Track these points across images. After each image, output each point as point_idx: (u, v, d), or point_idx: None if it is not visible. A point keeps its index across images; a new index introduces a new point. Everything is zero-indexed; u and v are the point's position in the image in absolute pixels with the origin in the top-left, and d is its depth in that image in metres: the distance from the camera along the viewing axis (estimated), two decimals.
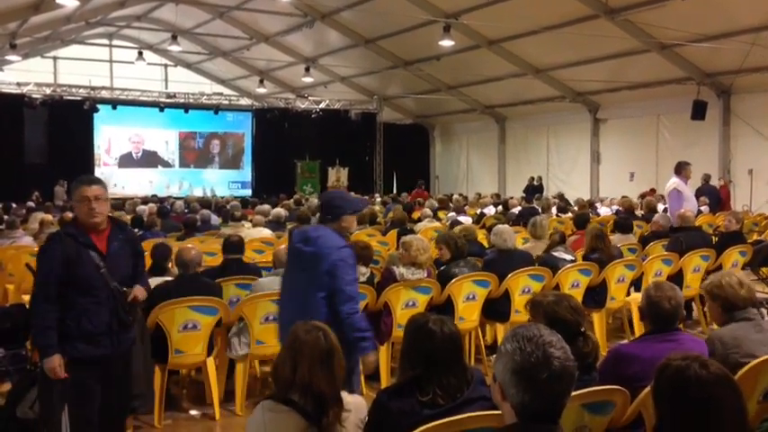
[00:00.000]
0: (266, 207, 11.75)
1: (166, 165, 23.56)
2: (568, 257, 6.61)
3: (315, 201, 14.87)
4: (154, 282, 4.77)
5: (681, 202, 8.74)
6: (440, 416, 2.51)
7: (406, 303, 5.44)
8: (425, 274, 5.61)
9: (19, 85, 20.02)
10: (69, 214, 7.99)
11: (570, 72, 17.60)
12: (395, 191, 23.06)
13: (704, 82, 15.67)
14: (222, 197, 19.19)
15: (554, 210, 12.66)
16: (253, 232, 9.02)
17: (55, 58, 24.69)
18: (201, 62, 25.98)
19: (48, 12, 16.76)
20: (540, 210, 11.67)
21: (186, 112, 22.18)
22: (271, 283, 5.32)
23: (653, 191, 15.39)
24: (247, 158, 24.38)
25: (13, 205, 13.84)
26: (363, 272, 5.46)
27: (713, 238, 8.26)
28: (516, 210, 12.49)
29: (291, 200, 15.79)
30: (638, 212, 11.47)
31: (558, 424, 1.92)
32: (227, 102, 23.47)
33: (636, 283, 6.94)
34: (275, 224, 10.09)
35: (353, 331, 3.63)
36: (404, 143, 24.60)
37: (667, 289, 3.26)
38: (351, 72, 22.48)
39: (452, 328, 2.74)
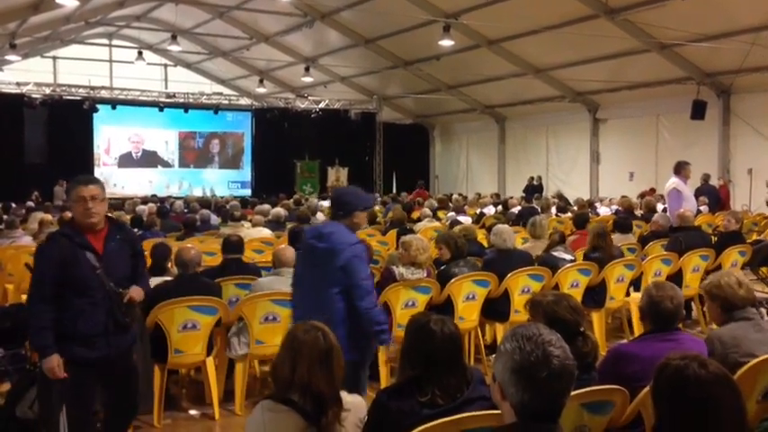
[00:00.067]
0: (266, 207, 11.75)
1: (166, 165, 23.55)
2: (568, 257, 6.61)
3: (314, 201, 14.90)
4: (153, 281, 4.77)
5: (680, 201, 8.74)
6: (439, 416, 2.51)
7: (406, 303, 5.44)
8: (425, 274, 5.61)
9: (18, 84, 20.01)
10: (68, 214, 8.00)
11: (570, 72, 17.60)
12: (394, 190, 23.06)
13: (704, 82, 15.67)
14: (222, 197, 19.19)
15: (553, 209, 12.66)
16: (252, 232, 9.02)
17: (54, 58, 24.68)
18: (201, 62, 25.98)
19: (47, 12, 16.75)
20: (539, 209, 11.68)
21: (186, 111, 22.17)
22: (270, 282, 5.33)
23: (653, 190, 15.40)
24: (247, 158, 24.37)
25: (13, 205, 13.83)
26: None
27: (712, 237, 8.26)
28: (516, 209, 12.49)
29: (291, 200, 15.79)
30: (638, 212, 11.47)
31: (557, 423, 1.92)
32: (226, 102, 23.46)
33: (635, 283, 6.95)
34: (275, 224, 10.10)
35: (373, 325, 3.74)
36: (403, 143, 24.60)
37: (668, 289, 3.26)
38: (350, 72, 22.48)
39: (453, 329, 2.74)
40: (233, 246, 5.96)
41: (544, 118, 20.73)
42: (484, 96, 21.70)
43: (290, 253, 5.51)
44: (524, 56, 17.75)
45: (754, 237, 9.91)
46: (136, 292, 3.59)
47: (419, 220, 11.13)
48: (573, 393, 2.03)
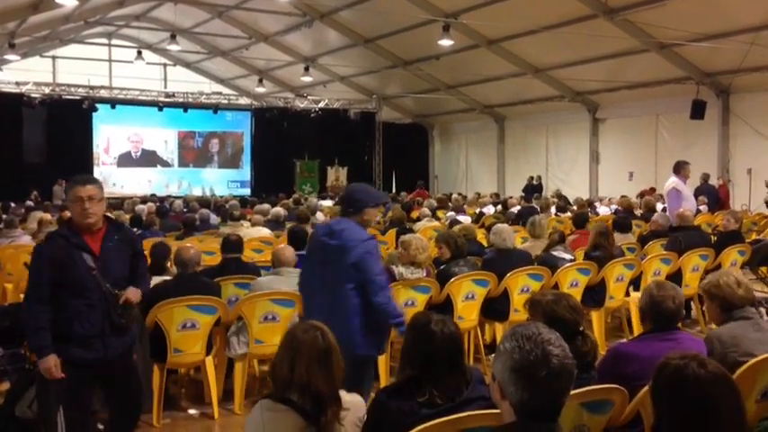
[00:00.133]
0: (266, 206, 11.75)
1: (165, 164, 23.54)
2: (567, 257, 6.61)
3: (314, 200, 14.90)
4: (153, 281, 4.76)
5: (680, 201, 8.75)
6: (439, 415, 2.51)
7: (405, 303, 5.43)
8: (424, 274, 5.61)
9: (18, 84, 20.01)
10: (67, 213, 8.01)
11: (569, 72, 17.60)
12: (394, 190, 23.06)
13: (703, 81, 15.67)
14: (221, 196, 19.17)
15: (553, 209, 12.67)
16: (252, 231, 9.02)
17: (54, 58, 24.67)
18: (200, 61, 25.96)
19: (46, 11, 16.74)
20: (538, 209, 11.68)
21: (185, 111, 22.16)
22: (269, 282, 5.32)
23: (652, 190, 15.40)
24: (246, 158, 24.37)
25: (12, 204, 13.81)
26: None
27: (712, 237, 8.26)
28: (515, 209, 12.49)
29: (290, 199, 15.78)
30: (637, 212, 11.48)
31: (556, 422, 1.92)
32: (226, 101, 23.46)
33: (634, 283, 6.95)
34: (274, 223, 10.09)
35: (390, 319, 3.81)
36: (403, 143, 24.60)
37: (670, 288, 3.26)
38: (350, 71, 22.47)
39: (453, 329, 2.73)
40: (232, 245, 5.95)
41: (543, 118, 20.73)
42: (483, 96, 21.70)
43: (289, 252, 5.52)
44: (524, 55, 17.75)
45: (754, 236, 9.91)
46: (132, 293, 3.54)
47: (418, 219, 11.13)
48: (572, 392, 2.03)
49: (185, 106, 22.11)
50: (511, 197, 15.44)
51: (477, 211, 13.14)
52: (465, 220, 10.75)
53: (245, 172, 24.41)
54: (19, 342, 4.95)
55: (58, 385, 3.41)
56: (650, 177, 17.18)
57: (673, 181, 9.01)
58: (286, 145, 22.68)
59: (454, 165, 25.47)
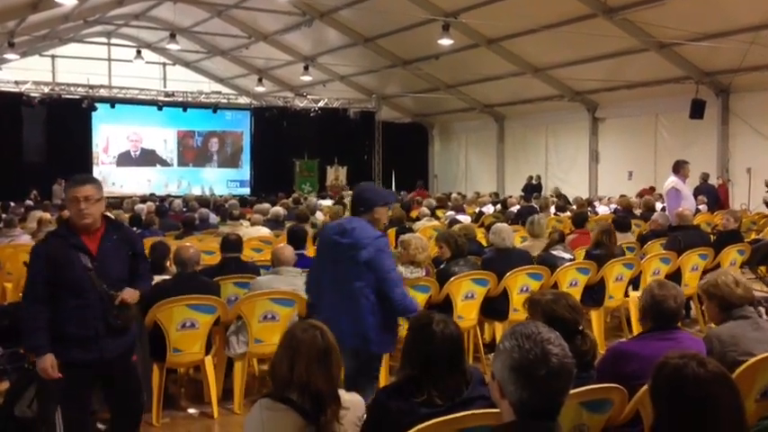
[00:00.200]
0: (265, 206, 11.75)
1: (165, 163, 23.54)
2: (567, 256, 6.62)
3: (313, 199, 14.89)
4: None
5: (679, 200, 8.75)
6: (438, 415, 2.51)
7: None
8: (424, 273, 5.61)
9: (17, 83, 19.99)
10: (66, 213, 8.01)
11: (569, 71, 17.60)
12: (393, 189, 23.04)
13: (703, 81, 15.68)
14: (221, 196, 19.19)
15: (552, 209, 12.67)
16: (251, 231, 9.02)
17: (53, 57, 24.64)
18: (200, 61, 25.94)
19: (46, 10, 16.72)
20: (538, 208, 11.68)
21: (185, 110, 22.15)
22: (269, 281, 5.32)
23: (652, 189, 15.41)
24: (246, 157, 24.37)
25: (12, 204, 13.82)
26: None
27: (711, 236, 8.27)
28: (515, 208, 12.49)
29: (290, 199, 15.79)
30: (637, 211, 11.48)
31: (556, 421, 1.92)
32: (225, 100, 23.45)
33: (634, 282, 6.95)
34: (273, 223, 10.09)
35: (408, 313, 3.86)
36: (402, 142, 24.59)
37: (671, 288, 3.27)
38: (349, 71, 22.46)
39: (454, 330, 2.73)
40: (232, 244, 5.95)
41: (543, 117, 20.73)
42: (483, 95, 21.70)
43: (288, 252, 5.51)
44: (523, 55, 17.75)
45: (753, 236, 9.91)
46: (128, 294, 3.49)
47: (418, 219, 11.13)
48: (572, 392, 2.03)
49: (185, 105, 22.10)
50: (510, 196, 15.43)
51: (477, 210, 13.14)
52: (465, 219, 10.74)
53: (245, 171, 24.41)
54: (18, 341, 4.94)
55: (56, 385, 3.39)
56: (649, 177, 17.18)
57: (672, 180, 9.01)
58: (285, 144, 22.67)
59: (454, 164, 25.47)
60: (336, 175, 23.42)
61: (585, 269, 6.42)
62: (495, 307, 6.01)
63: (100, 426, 4.47)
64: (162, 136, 23.36)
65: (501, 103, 21.72)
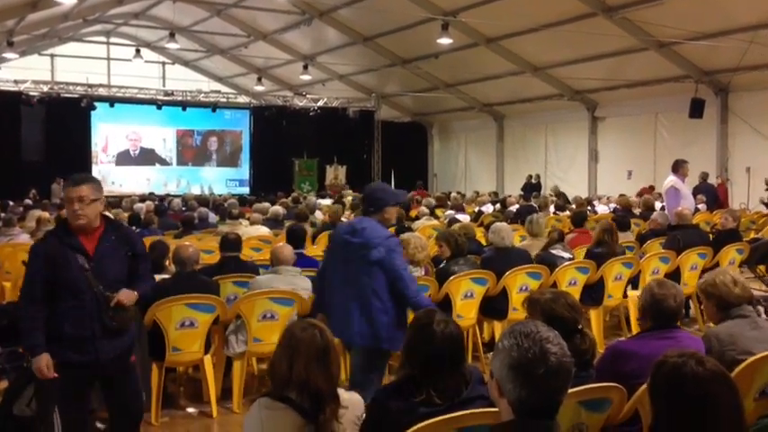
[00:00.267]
0: (265, 205, 11.75)
1: (164, 162, 23.53)
2: (566, 255, 6.62)
3: (312, 199, 14.89)
4: None
5: (678, 200, 8.75)
6: (438, 414, 2.51)
7: None
8: (423, 272, 5.61)
9: (16, 82, 19.99)
10: (65, 212, 8.00)
11: (568, 70, 17.60)
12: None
13: (702, 80, 15.68)
14: (220, 195, 19.18)
15: (551, 208, 12.67)
16: (250, 230, 9.02)
17: (52, 56, 24.62)
18: (199, 60, 25.93)
19: (45, 9, 16.72)
20: (537, 208, 11.68)
21: (184, 109, 22.14)
22: (268, 280, 5.32)
23: (651, 188, 15.41)
24: (245, 156, 24.36)
25: (11, 203, 13.80)
26: None
27: (710, 236, 8.27)
28: (514, 208, 12.49)
29: (289, 198, 15.78)
30: (636, 210, 11.49)
31: (554, 420, 1.92)
32: (224, 99, 23.44)
33: (633, 281, 6.95)
34: (273, 222, 10.09)
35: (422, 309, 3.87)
36: (402, 141, 24.59)
37: (671, 287, 3.27)
38: (349, 70, 22.46)
39: (454, 330, 2.73)
40: (231, 244, 5.95)
41: (542, 116, 20.73)
42: (482, 94, 21.70)
43: (287, 251, 5.51)
44: (523, 54, 17.75)
45: (752, 235, 9.92)
46: (124, 296, 3.42)
47: (417, 218, 11.12)
48: (571, 391, 2.03)
49: (184, 104, 22.10)
50: (510, 196, 15.44)
51: (476, 209, 13.14)
52: (464, 218, 10.74)
53: (244, 170, 24.40)
54: (17, 340, 4.94)
55: (54, 385, 3.37)
56: (649, 176, 17.19)
57: (671, 180, 9.01)
58: (285, 143, 22.66)
59: (453, 163, 25.47)
60: (336, 174, 23.41)
61: (585, 268, 6.42)
62: (494, 306, 6.01)
63: (99, 425, 4.47)
64: (161, 135, 23.35)
65: (500, 102, 21.72)
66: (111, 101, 21.29)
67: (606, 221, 7.55)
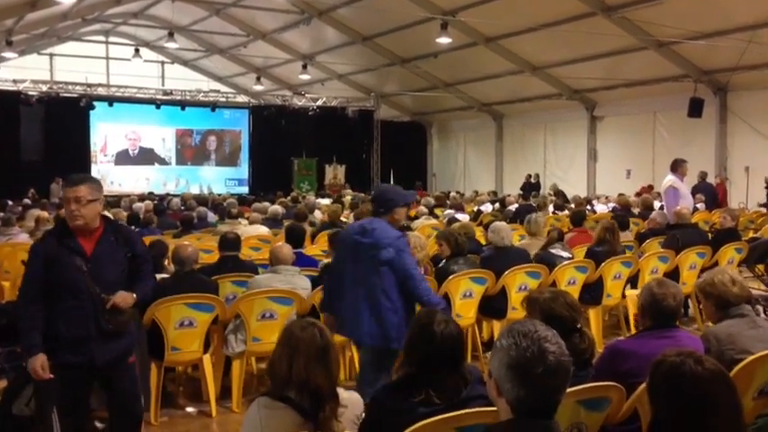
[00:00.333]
0: (264, 204, 11.74)
1: (163, 162, 23.52)
2: (565, 255, 6.62)
3: (312, 198, 14.89)
4: None
5: (677, 199, 8.75)
6: (437, 414, 2.51)
7: None
8: (422, 272, 5.60)
9: (15, 82, 19.98)
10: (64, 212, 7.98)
11: (567, 69, 17.60)
12: None
13: (701, 79, 15.69)
14: (219, 194, 19.17)
15: (551, 207, 12.67)
16: (249, 229, 9.01)
17: (51, 55, 24.62)
18: (198, 59, 25.93)
19: (44, 9, 16.71)
20: (536, 207, 11.68)
21: (183, 109, 22.14)
22: (267, 280, 5.32)
23: (650, 187, 15.42)
24: (244, 156, 24.35)
25: (10, 202, 13.79)
26: None
27: (709, 235, 8.27)
28: (513, 207, 12.49)
29: (288, 197, 15.78)
30: (635, 210, 11.49)
31: (553, 420, 1.92)
32: (223, 99, 23.44)
33: (632, 281, 6.96)
34: (272, 221, 10.08)
35: (434, 307, 3.90)
36: (401, 140, 24.59)
37: (670, 286, 3.27)
38: (348, 69, 22.46)
39: (454, 330, 2.73)
40: (230, 243, 5.94)
41: (541, 115, 20.74)
42: (481, 94, 21.70)
43: (286, 250, 5.51)
44: (522, 53, 17.76)
45: (751, 234, 9.92)
46: (120, 298, 3.37)
47: (416, 217, 11.12)
48: (569, 390, 2.03)
49: (183, 104, 22.09)
50: (509, 195, 15.45)
51: (476, 209, 13.14)
52: (463, 218, 10.74)
53: (243, 170, 24.39)
54: (16, 340, 4.94)
55: (51, 385, 3.35)
56: (648, 175, 17.20)
57: (670, 179, 9.01)
58: (284, 143, 22.66)
59: (452, 163, 25.47)
60: (335, 173, 23.41)
61: (584, 267, 6.42)
62: (493, 305, 6.01)
63: (98, 424, 4.47)
64: (160, 134, 23.34)
65: (499, 101, 21.72)
66: (110, 100, 21.28)
67: (608, 220, 7.56)
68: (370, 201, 5.24)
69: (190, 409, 5.22)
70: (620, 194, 13.53)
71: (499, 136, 22.99)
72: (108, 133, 22.37)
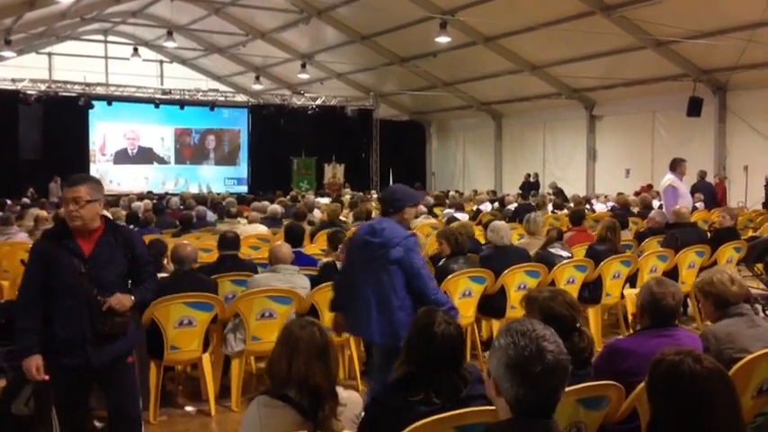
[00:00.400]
0: (263, 204, 11.74)
1: (162, 161, 23.51)
2: (565, 254, 6.62)
3: (311, 197, 14.89)
4: None
5: (676, 198, 8.76)
6: (436, 413, 2.51)
7: None
8: None
9: (14, 81, 19.96)
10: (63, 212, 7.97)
11: (566, 69, 17.61)
12: None
13: (700, 79, 15.70)
14: (218, 194, 19.18)
15: (550, 206, 12.68)
16: (248, 229, 9.01)
17: (50, 55, 24.61)
18: (197, 58, 25.92)
19: (43, 8, 16.71)
20: (535, 206, 11.69)
21: (182, 108, 22.13)
22: (266, 279, 5.32)
23: (649, 187, 15.43)
24: (243, 155, 24.34)
25: (8, 202, 13.79)
26: None
27: (708, 234, 8.28)
28: (512, 206, 12.50)
29: (287, 196, 15.78)
30: (634, 209, 11.50)
31: (552, 419, 1.92)
32: (222, 98, 23.42)
33: (631, 280, 6.96)
34: (271, 221, 10.09)
35: (442, 307, 3.93)
36: (400, 140, 24.60)
37: (670, 285, 3.27)
38: (347, 68, 22.45)
39: (454, 331, 2.72)
40: (229, 242, 5.95)
41: (541, 115, 20.75)
42: (480, 93, 21.71)
43: (285, 249, 5.51)
44: (521, 53, 17.76)
45: (750, 233, 9.93)
46: (116, 300, 3.30)
47: (415, 216, 11.12)
48: (569, 389, 2.03)
49: (182, 103, 22.08)
50: (508, 194, 15.45)
51: (475, 208, 13.15)
52: (462, 217, 10.74)
53: (242, 169, 24.38)
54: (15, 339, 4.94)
55: (48, 385, 3.34)
56: (647, 174, 17.21)
57: (669, 178, 9.02)
58: (283, 142, 22.65)
59: (451, 162, 25.48)
60: (334, 172, 23.41)
61: (583, 267, 6.43)
62: (492, 304, 6.01)
63: (97, 423, 4.47)
64: (159, 134, 23.32)
65: (498, 100, 21.73)
66: (109, 99, 21.27)
67: (609, 219, 7.58)
68: (379, 201, 5.26)
69: (189, 408, 5.22)
70: (620, 194, 13.55)
71: (498, 135, 23.00)
72: (107, 132, 22.36)
